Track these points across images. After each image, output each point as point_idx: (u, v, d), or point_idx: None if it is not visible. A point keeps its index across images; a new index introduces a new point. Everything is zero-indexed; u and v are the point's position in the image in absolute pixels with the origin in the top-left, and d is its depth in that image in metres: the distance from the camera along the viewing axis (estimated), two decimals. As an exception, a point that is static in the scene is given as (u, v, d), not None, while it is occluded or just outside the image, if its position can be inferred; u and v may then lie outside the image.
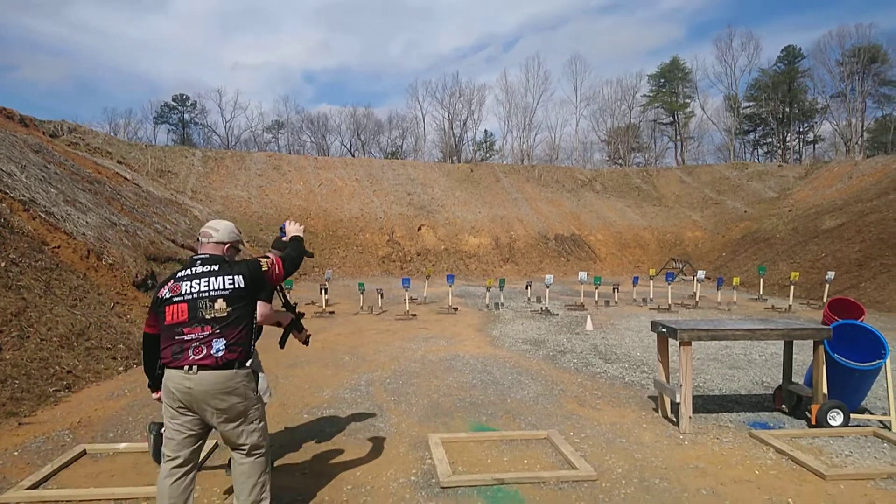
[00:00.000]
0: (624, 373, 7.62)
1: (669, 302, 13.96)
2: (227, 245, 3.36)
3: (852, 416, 5.37)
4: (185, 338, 3.02)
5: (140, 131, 59.46)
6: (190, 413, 3.07)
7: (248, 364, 3.13)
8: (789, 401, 5.81)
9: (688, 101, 60.06)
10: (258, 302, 3.71)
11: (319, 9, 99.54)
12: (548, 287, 13.88)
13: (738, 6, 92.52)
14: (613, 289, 15.28)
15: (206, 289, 3.07)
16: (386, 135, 60.92)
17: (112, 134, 52.36)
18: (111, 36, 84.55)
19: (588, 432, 5.23)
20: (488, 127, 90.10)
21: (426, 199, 30.00)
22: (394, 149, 59.44)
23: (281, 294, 4.31)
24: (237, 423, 3.12)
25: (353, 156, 53.77)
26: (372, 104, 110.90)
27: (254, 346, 3.29)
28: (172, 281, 3.14)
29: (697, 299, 14.87)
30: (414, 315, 12.57)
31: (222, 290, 3.08)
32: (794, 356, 6.29)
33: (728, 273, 22.52)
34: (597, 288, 14.89)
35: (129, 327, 9.27)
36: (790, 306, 14.15)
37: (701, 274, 15.32)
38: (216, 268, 3.16)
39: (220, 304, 3.06)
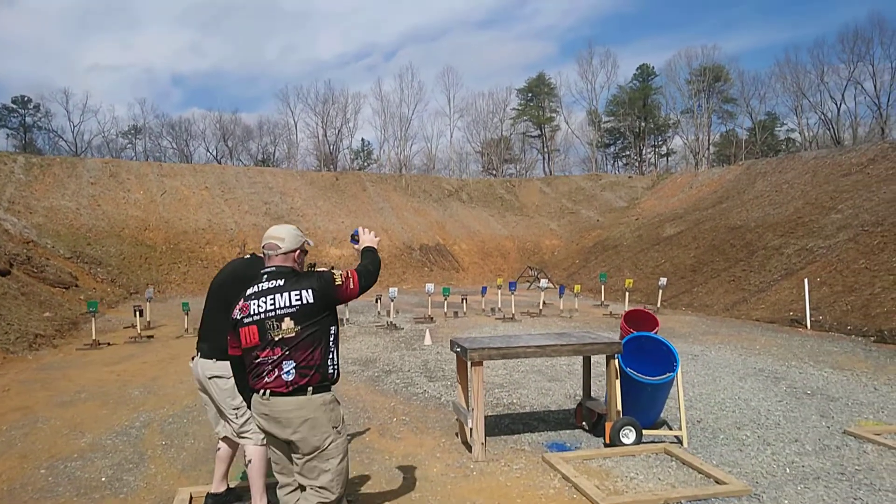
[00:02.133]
0: (443, 392, 7.23)
1: (513, 311, 13.95)
2: (297, 252, 3.02)
3: (647, 432, 5.25)
4: (259, 361, 2.80)
5: (-26, 135, 52.89)
6: (278, 438, 2.85)
7: (328, 389, 2.91)
8: (589, 418, 5.63)
9: (553, 115, 62.57)
10: None
11: (188, 8, 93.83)
12: (392, 300, 13.41)
13: (603, 25, 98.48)
14: (462, 299, 15.10)
15: (273, 307, 2.79)
16: (256, 141, 58.31)
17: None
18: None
19: (374, 469, 4.72)
20: (365, 136, 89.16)
21: (285, 209, 28.75)
22: (265, 156, 56.94)
23: None
24: (310, 456, 2.81)
25: (220, 163, 50.92)
26: (248, 109, 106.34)
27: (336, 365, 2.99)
28: (242, 300, 2.88)
29: (541, 308, 15.02)
30: (246, 335, 11.60)
31: (289, 307, 2.78)
32: (601, 367, 6.16)
33: (580, 279, 23.26)
34: (445, 299, 14.64)
35: None
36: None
37: (544, 283, 15.52)
38: (282, 282, 2.85)
39: (287, 323, 2.77)
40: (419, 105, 75.37)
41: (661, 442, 5.21)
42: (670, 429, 5.66)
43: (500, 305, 15.44)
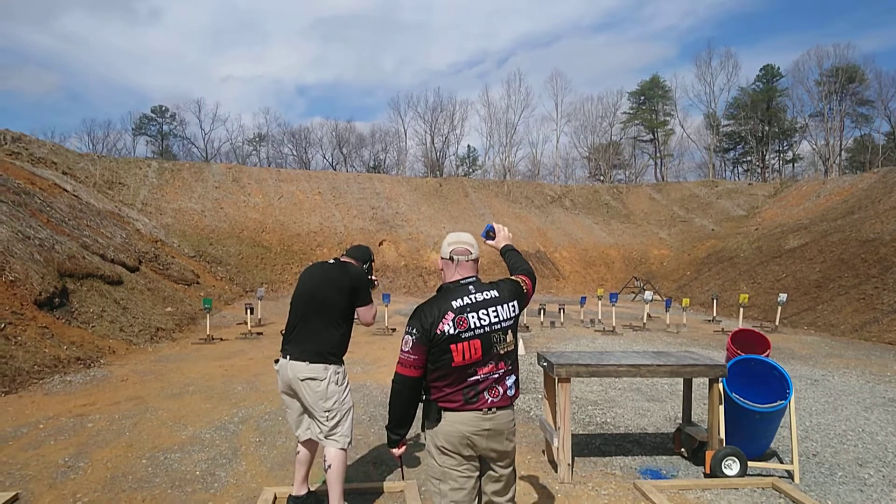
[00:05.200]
0: (532, 406, 7.03)
1: (614, 324, 13.40)
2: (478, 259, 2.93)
3: (752, 464, 4.81)
4: (478, 378, 2.65)
5: (119, 143, 58.67)
6: (475, 459, 2.72)
7: None
8: (688, 444, 5.23)
9: (668, 118, 60.23)
10: (360, 310, 3.85)
11: (314, 22, 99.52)
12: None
13: (726, 26, 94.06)
14: (560, 309, 14.70)
15: (497, 320, 2.68)
16: (368, 149, 60.55)
17: (91, 146, 51.68)
18: (102, 47, 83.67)
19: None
20: (471, 142, 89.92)
21: (390, 214, 29.41)
22: (376, 163, 59.03)
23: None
24: (510, 468, 2.82)
25: (335, 169, 53.23)
26: (363, 118, 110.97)
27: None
28: (452, 313, 2.63)
29: (645, 321, 14.35)
30: (346, 336, 11.91)
31: (509, 320, 2.72)
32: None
33: (691, 292, 22.11)
34: (542, 308, 14.32)
35: (14, 350, 8.53)
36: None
37: (648, 295, 14.81)
38: (496, 294, 2.74)
39: (509, 336, 2.72)
40: (526, 111, 75.19)
41: (769, 476, 4.75)
42: (780, 461, 5.16)
43: (599, 317, 14.91)
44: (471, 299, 2.68)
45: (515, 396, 2.78)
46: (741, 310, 14.16)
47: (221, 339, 11.77)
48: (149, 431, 5.80)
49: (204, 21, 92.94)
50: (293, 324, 3.80)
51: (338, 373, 3.76)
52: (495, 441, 2.69)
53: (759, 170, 56.62)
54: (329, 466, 3.70)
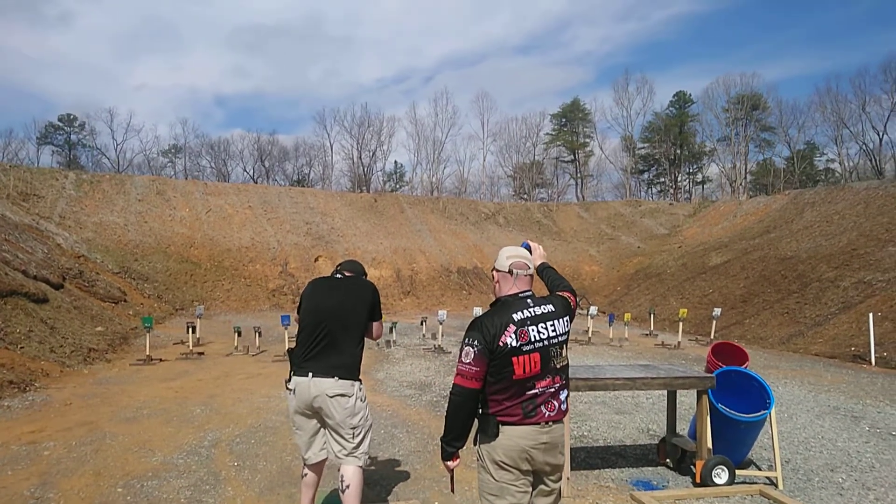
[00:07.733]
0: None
1: (563, 339, 13.64)
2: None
3: (738, 472, 4.99)
4: (537, 392, 2.66)
5: (21, 152, 54.68)
6: (530, 474, 2.72)
7: None
8: (673, 454, 5.38)
9: (587, 140, 62.45)
10: (375, 324, 3.84)
11: (235, 31, 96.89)
12: (441, 323, 13.26)
13: (641, 52, 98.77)
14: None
15: (555, 333, 2.71)
16: (292, 162, 59.25)
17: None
18: (3, 51, 77.76)
19: (457, 500, 4.55)
20: (398, 158, 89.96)
21: (325, 229, 28.91)
22: (300, 177, 57.84)
23: None
24: (560, 482, 2.86)
25: (256, 182, 51.82)
26: (286, 131, 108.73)
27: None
28: (514, 325, 2.63)
29: (590, 335, 14.70)
30: (295, 355, 11.54)
31: (564, 334, 2.76)
32: (678, 400, 5.92)
33: (623, 307, 22.84)
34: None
35: (-63, 376, 7.79)
36: (679, 342, 14.23)
37: (594, 310, 15.21)
38: (552, 308, 2.76)
39: (564, 350, 2.77)
40: (452, 129, 76.13)
41: (754, 483, 4.94)
42: (758, 468, 5.39)
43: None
44: (530, 312, 2.70)
45: (567, 411, 2.81)
46: (681, 324, 14.75)
47: (161, 360, 11.16)
48: (114, 458, 5.40)
49: (117, 27, 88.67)
50: (314, 339, 3.63)
51: (361, 389, 3.67)
52: (551, 455, 2.71)
53: (671, 190, 59.53)
54: (348, 486, 3.55)
